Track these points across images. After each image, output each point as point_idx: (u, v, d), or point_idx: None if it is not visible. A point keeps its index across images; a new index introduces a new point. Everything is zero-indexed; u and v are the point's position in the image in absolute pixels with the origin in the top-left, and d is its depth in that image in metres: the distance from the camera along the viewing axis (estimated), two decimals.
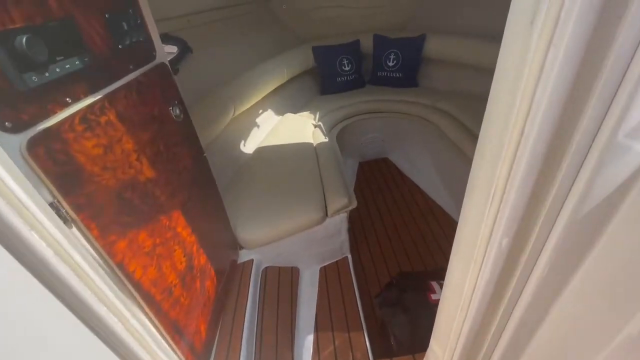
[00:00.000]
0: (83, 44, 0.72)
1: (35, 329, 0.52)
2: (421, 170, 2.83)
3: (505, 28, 0.47)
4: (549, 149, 0.48)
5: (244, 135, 2.38)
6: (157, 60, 1.05)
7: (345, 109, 2.87)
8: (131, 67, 0.89)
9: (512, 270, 0.63)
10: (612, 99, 0.42)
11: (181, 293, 1.05)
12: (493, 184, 0.55)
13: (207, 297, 1.27)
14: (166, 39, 2.00)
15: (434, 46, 2.80)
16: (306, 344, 1.54)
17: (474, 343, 0.80)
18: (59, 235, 0.58)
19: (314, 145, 2.33)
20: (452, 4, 2.90)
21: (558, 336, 0.63)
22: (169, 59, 1.99)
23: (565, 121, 0.46)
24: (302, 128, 2.52)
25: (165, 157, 1.00)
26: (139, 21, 0.94)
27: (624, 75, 0.41)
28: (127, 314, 0.73)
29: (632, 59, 0.39)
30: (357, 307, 1.67)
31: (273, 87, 2.64)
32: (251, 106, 2.42)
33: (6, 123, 0.57)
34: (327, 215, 1.77)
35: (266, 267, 1.81)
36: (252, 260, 1.74)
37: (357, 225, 2.40)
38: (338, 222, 1.83)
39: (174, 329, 0.99)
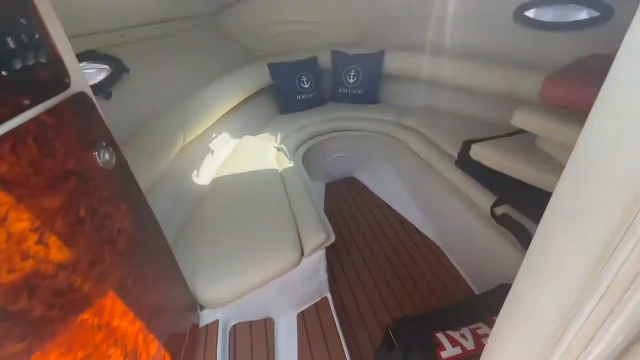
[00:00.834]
0: None
1: None
2: (390, 188, 2.73)
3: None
4: None
5: (197, 164, 2.06)
6: (73, 89, 0.76)
7: (309, 128, 2.69)
8: (26, 102, 0.60)
9: None
10: None
11: None
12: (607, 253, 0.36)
13: None
14: (94, 57, 1.65)
15: (392, 62, 2.76)
16: None
17: None
18: None
19: (279, 171, 2.10)
20: (404, 20, 2.90)
21: None
22: (97, 81, 1.67)
23: None
24: (263, 152, 2.28)
25: (90, 226, 0.70)
26: (37, 35, 0.66)
27: None
28: None
29: None
30: (344, 353, 1.46)
31: (228, 108, 2.37)
32: (204, 131, 2.12)
33: None
34: (303, 255, 1.54)
35: (234, 325, 1.52)
36: (217, 320, 1.44)
37: (331, 256, 2.19)
38: (316, 261, 1.61)
39: None
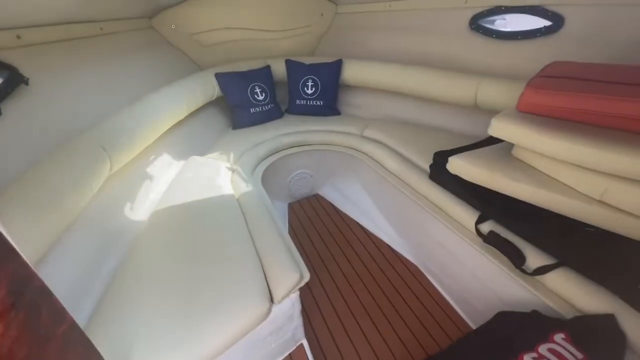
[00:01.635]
0: None
1: None
2: (359, 205, 2.56)
3: None
4: None
5: (131, 195, 1.68)
6: None
7: (266, 144, 2.42)
8: None
9: None
10: None
11: None
12: None
13: None
14: None
15: (351, 72, 2.63)
16: None
17: None
18: None
19: (236, 196, 1.79)
20: (359, 29, 2.81)
21: None
22: None
23: None
24: (215, 174, 1.95)
25: None
26: None
27: None
28: None
29: None
30: None
31: (168, 125, 2.01)
32: (139, 154, 1.74)
33: None
34: (272, 302, 1.26)
35: None
36: None
37: (303, 290, 1.92)
38: (289, 308, 1.34)
39: None
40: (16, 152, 1.23)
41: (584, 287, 1.13)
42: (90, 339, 0.51)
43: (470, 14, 2.10)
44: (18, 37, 1.41)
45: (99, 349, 0.54)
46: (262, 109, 2.60)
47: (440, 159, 1.72)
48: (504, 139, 1.41)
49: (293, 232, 2.44)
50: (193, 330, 1.06)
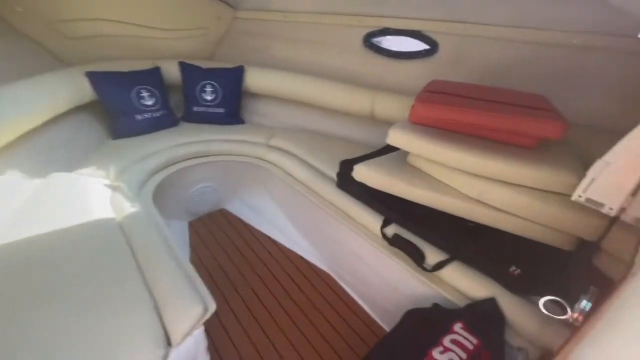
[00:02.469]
0: None
1: None
2: (267, 217, 2.45)
3: None
4: None
5: None
6: None
7: (158, 155, 2.09)
8: None
9: None
10: None
11: None
12: None
13: None
14: None
15: (253, 79, 2.52)
16: None
17: None
18: None
19: (117, 220, 1.47)
20: (260, 37, 2.75)
21: None
22: None
23: None
24: (86, 194, 1.58)
25: None
26: None
27: None
28: None
29: None
30: None
31: (17, 134, 1.54)
32: None
33: None
34: (170, 345, 1.04)
35: None
36: None
37: (212, 323, 1.69)
38: (192, 347, 1.13)
39: None
40: None
41: (471, 277, 1.28)
42: None
43: (363, 32, 2.26)
44: None
45: None
46: (151, 115, 2.25)
47: (346, 167, 1.77)
48: (400, 147, 1.53)
49: (195, 255, 2.17)
50: None
